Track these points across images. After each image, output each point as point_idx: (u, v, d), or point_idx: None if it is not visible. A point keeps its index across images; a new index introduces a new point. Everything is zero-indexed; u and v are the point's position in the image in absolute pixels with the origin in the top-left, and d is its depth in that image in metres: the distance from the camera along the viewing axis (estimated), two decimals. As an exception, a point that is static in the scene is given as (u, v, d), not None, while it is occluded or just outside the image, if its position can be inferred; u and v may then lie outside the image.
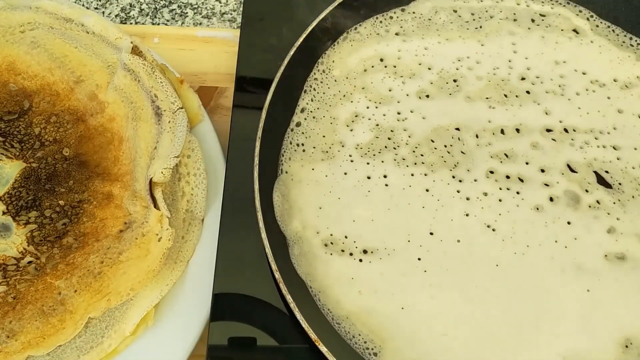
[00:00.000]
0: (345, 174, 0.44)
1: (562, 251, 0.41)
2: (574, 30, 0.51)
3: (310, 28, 0.48)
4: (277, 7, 0.55)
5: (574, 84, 0.48)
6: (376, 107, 0.47)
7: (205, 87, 0.56)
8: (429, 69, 0.48)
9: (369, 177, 0.44)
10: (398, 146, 0.45)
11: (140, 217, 0.43)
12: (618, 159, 0.45)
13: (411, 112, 0.46)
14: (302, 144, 0.46)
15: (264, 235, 0.39)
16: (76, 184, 0.44)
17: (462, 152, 0.45)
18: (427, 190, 0.43)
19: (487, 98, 0.47)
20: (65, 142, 0.46)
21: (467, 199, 0.42)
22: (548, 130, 0.46)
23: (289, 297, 0.37)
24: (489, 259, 0.40)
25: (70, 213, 0.43)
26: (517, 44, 0.50)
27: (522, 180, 0.43)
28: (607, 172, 0.44)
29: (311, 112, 0.47)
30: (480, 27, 0.51)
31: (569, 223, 0.42)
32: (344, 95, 0.47)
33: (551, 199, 0.43)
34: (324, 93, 0.48)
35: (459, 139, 0.45)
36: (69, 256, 0.41)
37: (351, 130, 0.46)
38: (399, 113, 0.46)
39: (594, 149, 0.45)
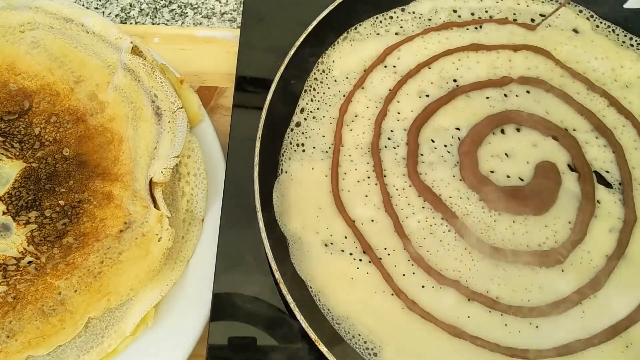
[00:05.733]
0: (345, 174, 0.44)
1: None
2: (574, 30, 0.51)
3: (310, 28, 0.48)
4: (277, 7, 0.55)
5: (574, 84, 0.48)
6: (376, 107, 0.47)
7: (205, 87, 0.56)
8: (429, 68, 0.48)
9: (368, 177, 0.43)
10: (398, 146, 0.45)
11: (140, 217, 0.43)
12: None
13: (411, 111, 0.46)
14: (302, 144, 0.46)
15: (264, 235, 0.39)
16: (76, 184, 0.44)
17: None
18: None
19: (487, 97, 0.47)
20: (65, 142, 0.46)
21: (468, 198, 0.42)
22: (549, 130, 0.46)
23: (289, 297, 0.37)
24: (489, 258, 0.40)
25: (70, 213, 0.43)
26: (517, 43, 0.50)
27: (522, 180, 0.43)
28: (607, 171, 0.44)
29: (311, 112, 0.47)
30: (480, 27, 0.51)
31: (569, 222, 0.42)
32: (344, 95, 0.47)
33: (551, 199, 0.43)
34: (324, 93, 0.48)
35: (459, 139, 0.45)
36: (69, 256, 0.41)
37: (351, 130, 0.46)
38: (399, 113, 0.46)
39: (594, 149, 0.45)
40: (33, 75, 0.48)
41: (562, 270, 0.40)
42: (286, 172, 0.44)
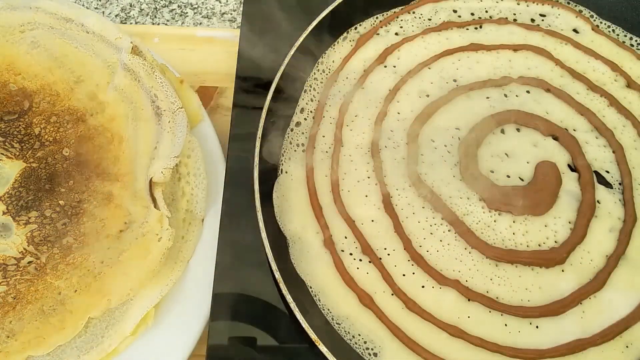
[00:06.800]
0: (345, 174, 0.44)
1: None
2: (574, 30, 0.51)
3: (310, 28, 0.48)
4: (277, 7, 0.55)
5: (574, 84, 0.48)
6: (376, 107, 0.47)
7: (205, 87, 0.56)
8: (429, 68, 0.48)
9: (369, 177, 0.43)
10: (398, 146, 0.45)
11: (140, 217, 0.43)
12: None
13: (411, 111, 0.46)
14: (302, 144, 0.46)
15: (264, 235, 0.39)
16: (76, 184, 0.44)
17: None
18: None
19: (487, 98, 0.47)
20: (65, 142, 0.46)
21: (468, 198, 0.42)
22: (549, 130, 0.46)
23: (289, 297, 0.37)
24: (489, 258, 0.40)
25: (70, 213, 0.43)
26: (516, 43, 0.50)
27: (522, 180, 0.43)
28: (607, 171, 0.44)
29: (311, 112, 0.47)
30: (480, 27, 0.51)
31: (569, 222, 0.42)
32: (344, 95, 0.47)
33: (551, 199, 0.43)
34: (324, 93, 0.48)
35: (459, 139, 0.45)
36: (69, 256, 0.41)
37: (351, 130, 0.46)
38: (399, 113, 0.46)
39: (594, 149, 0.45)
40: (33, 76, 0.48)
41: (562, 270, 0.40)
42: (286, 172, 0.44)
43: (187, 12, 0.63)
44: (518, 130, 0.46)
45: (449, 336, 0.38)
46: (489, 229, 0.41)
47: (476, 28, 0.51)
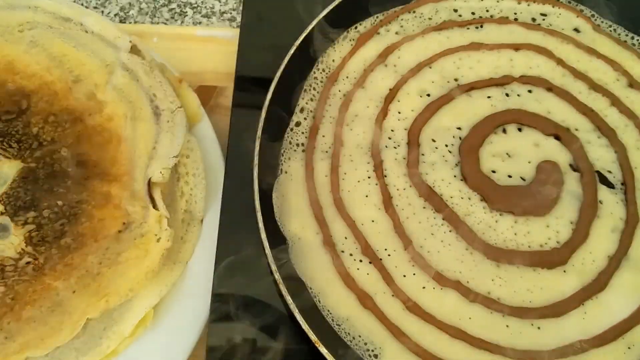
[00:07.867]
0: (345, 173, 0.44)
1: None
2: (575, 29, 0.51)
3: (310, 28, 0.48)
4: (277, 7, 0.54)
5: (575, 83, 0.48)
6: (377, 107, 0.46)
7: (205, 86, 0.56)
8: (430, 67, 0.48)
9: (369, 177, 0.43)
10: (398, 145, 0.45)
11: (139, 218, 0.43)
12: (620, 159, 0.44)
13: (412, 111, 0.46)
14: (302, 144, 0.45)
15: (263, 235, 0.39)
16: (74, 184, 0.44)
17: (463, 151, 0.44)
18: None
19: (488, 97, 0.47)
20: (63, 142, 0.46)
21: (469, 198, 0.42)
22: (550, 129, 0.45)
23: (288, 298, 0.37)
24: (490, 259, 0.40)
25: (68, 213, 0.43)
26: (517, 43, 0.49)
27: (524, 179, 0.43)
28: (609, 172, 0.44)
29: (311, 112, 0.47)
30: (481, 26, 0.51)
31: (571, 223, 0.41)
32: (344, 95, 0.47)
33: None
34: (324, 93, 0.47)
35: (460, 138, 0.45)
36: (67, 257, 0.41)
37: (351, 130, 0.45)
38: (399, 112, 0.46)
39: (596, 149, 0.45)
40: (31, 75, 0.48)
41: (564, 271, 0.40)
42: (286, 172, 0.44)
43: (186, 12, 0.62)
44: (519, 129, 0.45)
45: (450, 337, 0.38)
46: (491, 229, 0.41)
47: (477, 27, 0.51)
